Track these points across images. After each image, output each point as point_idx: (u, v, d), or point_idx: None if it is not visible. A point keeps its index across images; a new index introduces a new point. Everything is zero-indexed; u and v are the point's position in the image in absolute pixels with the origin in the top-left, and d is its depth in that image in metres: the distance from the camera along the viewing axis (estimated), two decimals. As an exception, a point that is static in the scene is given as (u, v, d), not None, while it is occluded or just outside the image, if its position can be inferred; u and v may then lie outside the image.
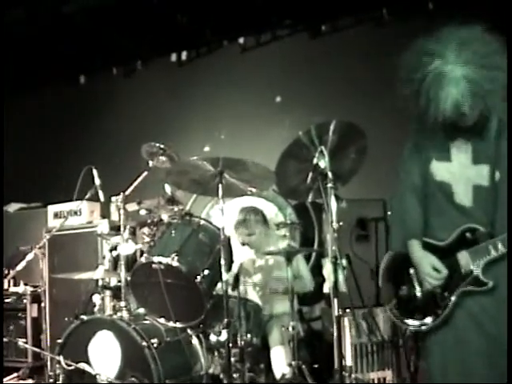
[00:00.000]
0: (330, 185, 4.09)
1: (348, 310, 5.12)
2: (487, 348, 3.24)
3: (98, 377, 4.58)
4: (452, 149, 3.37)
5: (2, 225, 7.12)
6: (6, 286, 7.11)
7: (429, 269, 3.39)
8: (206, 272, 4.66)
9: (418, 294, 3.47)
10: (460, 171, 3.34)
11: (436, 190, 3.43)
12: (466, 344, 3.28)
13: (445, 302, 3.35)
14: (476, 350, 3.26)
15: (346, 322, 5.18)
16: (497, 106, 3.17)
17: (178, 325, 4.79)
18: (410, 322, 3.52)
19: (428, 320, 3.42)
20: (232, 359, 4.56)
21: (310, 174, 4.26)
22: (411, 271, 3.50)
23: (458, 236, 3.36)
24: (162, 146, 5.30)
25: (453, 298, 3.32)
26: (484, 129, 3.30)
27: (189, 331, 4.88)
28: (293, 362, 4.83)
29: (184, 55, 8.30)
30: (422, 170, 3.47)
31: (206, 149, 5.83)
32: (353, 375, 5.13)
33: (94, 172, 5.25)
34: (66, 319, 5.06)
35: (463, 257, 3.33)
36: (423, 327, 3.45)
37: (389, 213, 5.79)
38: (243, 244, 5.49)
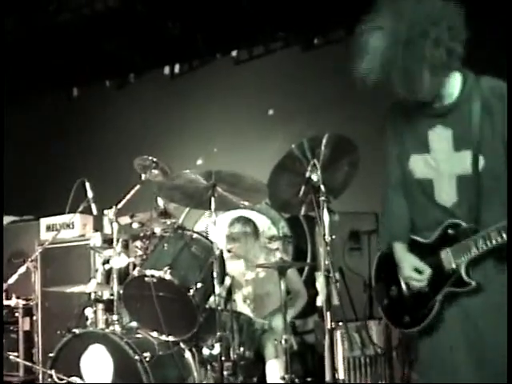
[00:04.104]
0: (322, 198, 4.09)
1: (341, 323, 5.11)
2: (473, 350, 3.14)
3: (90, 391, 4.57)
4: (431, 137, 3.24)
5: (1, 234, 7.10)
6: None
7: (410, 271, 3.30)
8: (199, 285, 4.65)
9: (406, 294, 3.39)
10: (441, 161, 3.22)
11: (417, 188, 3.32)
12: (453, 346, 3.20)
13: (432, 303, 3.26)
14: (463, 352, 3.17)
15: (338, 335, 5.17)
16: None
17: (171, 338, 4.77)
18: (400, 324, 3.49)
19: (416, 323, 3.35)
20: (225, 373, 4.55)
21: (303, 188, 4.26)
22: (398, 271, 3.42)
23: (441, 233, 3.25)
24: (154, 160, 5.30)
25: (438, 299, 3.23)
26: (465, 111, 3.14)
27: (181, 345, 4.87)
28: (286, 376, 4.81)
29: (177, 68, 8.33)
30: (402, 166, 3.37)
31: (199, 162, 5.82)
32: (346, 388, 5.13)
33: (87, 185, 5.24)
34: (58, 333, 5.03)
35: (446, 255, 3.23)
36: (412, 329, 3.38)
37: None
38: (228, 251, 5.49)
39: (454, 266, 3.20)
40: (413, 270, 3.31)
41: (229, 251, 5.52)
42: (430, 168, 3.26)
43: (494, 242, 3.07)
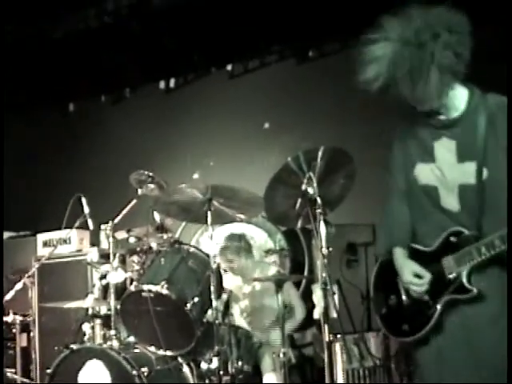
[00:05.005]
0: (319, 210, 4.10)
1: (339, 336, 5.10)
2: (473, 358, 3.12)
3: (88, 407, 4.55)
4: (436, 148, 3.26)
5: (1, 250, 7.08)
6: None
7: (410, 277, 3.29)
8: (196, 299, 4.65)
9: (406, 302, 3.39)
10: (445, 171, 3.24)
11: (421, 194, 3.33)
12: (453, 355, 3.19)
13: (432, 311, 3.24)
14: (463, 361, 3.16)
15: (337, 347, 5.17)
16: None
17: (169, 353, 4.76)
18: (398, 332, 3.47)
19: (415, 331, 3.33)
20: (223, 387, 4.54)
21: (299, 200, 4.28)
22: (397, 279, 3.42)
23: (443, 240, 3.25)
24: (150, 174, 5.30)
25: (439, 307, 3.22)
26: (470, 125, 3.17)
27: (179, 359, 4.85)
28: (284, 389, 4.81)
29: (172, 82, 8.34)
30: (407, 173, 3.38)
31: (195, 176, 5.83)
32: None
33: (83, 200, 5.25)
34: (56, 348, 5.02)
35: (448, 262, 3.22)
36: (412, 338, 3.36)
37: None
38: (225, 271, 5.49)
39: (455, 273, 3.19)
40: (413, 275, 3.30)
41: (225, 271, 5.53)
42: (435, 176, 3.28)
43: (497, 249, 3.06)
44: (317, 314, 5.28)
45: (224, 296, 4.97)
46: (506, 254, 3.05)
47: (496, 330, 3.10)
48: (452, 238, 3.23)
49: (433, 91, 3.02)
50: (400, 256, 3.40)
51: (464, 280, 3.16)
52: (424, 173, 3.31)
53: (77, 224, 5.26)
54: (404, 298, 3.41)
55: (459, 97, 3.19)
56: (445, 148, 3.25)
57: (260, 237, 6.44)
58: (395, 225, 3.48)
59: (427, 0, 3.07)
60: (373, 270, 3.70)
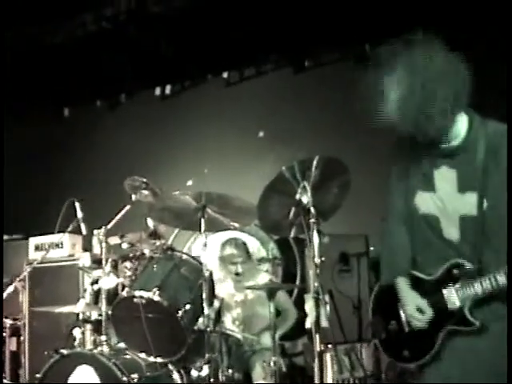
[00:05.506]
0: (312, 220, 4.10)
1: (330, 346, 5.09)
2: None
3: (77, 412, 4.53)
4: (436, 177, 3.24)
5: (1, 252, 7.07)
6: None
7: (413, 310, 3.29)
8: (188, 307, 4.64)
9: (406, 330, 3.37)
10: (446, 201, 3.22)
11: (422, 223, 3.31)
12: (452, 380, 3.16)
13: (432, 341, 3.24)
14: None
15: (328, 357, 5.16)
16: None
17: (159, 360, 4.75)
18: (398, 357, 3.47)
19: (415, 358, 3.33)
20: (213, 395, 4.53)
21: (293, 209, 4.28)
22: (399, 307, 3.41)
23: (444, 271, 3.24)
24: (144, 180, 5.30)
25: (440, 337, 3.22)
26: (470, 153, 3.15)
27: (170, 366, 4.83)
28: (274, 398, 4.79)
29: (168, 89, 8.36)
30: (407, 201, 3.36)
31: (189, 183, 5.83)
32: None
33: (77, 205, 5.24)
34: (46, 353, 5.00)
35: (450, 294, 3.21)
36: (411, 365, 3.38)
37: (371, 248, 5.85)
38: (237, 274, 5.50)
39: (458, 304, 3.19)
40: (415, 310, 3.30)
41: (237, 274, 5.54)
42: (436, 206, 3.26)
43: (500, 284, 3.06)
44: (308, 323, 5.27)
45: (216, 304, 4.96)
46: (507, 288, 3.04)
47: (498, 362, 3.06)
48: (454, 271, 3.22)
49: (435, 127, 3.03)
50: (402, 287, 3.38)
51: (466, 312, 3.16)
52: (424, 202, 3.29)
53: (69, 228, 5.24)
54: (406, 325, 3.39)
55: (459, 124, 3.16)
56: (445, 177, 3.23)
57: (253, 245, 6.43)
58: (396, 254, 3.45)
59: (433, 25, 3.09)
60: (372, 292, 3.70)
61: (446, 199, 3.23)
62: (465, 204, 3.17)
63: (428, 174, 3.27)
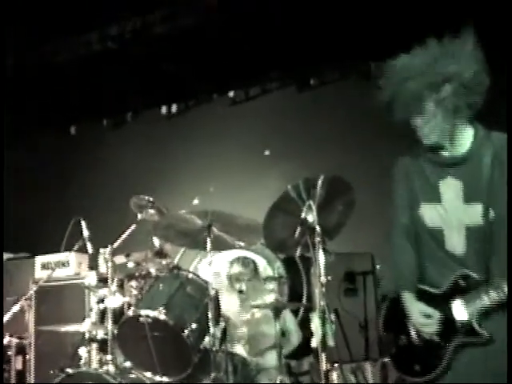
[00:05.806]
0: (318, 239, 4.10)
1: (336, 365, 5.08)
2: None
3: (82, 432, 4.52)
4: (441, 187, 3.26)
5: (1, 270, 7.06)
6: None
7: (419, 317, 3.29)
8: (194, 326, 4.63)
9: (416, 343, 3.37)
10: (451, 212, 3.23)
11: (427, 236, 3.33)
12: None
13: (442, 353, 3.24)
14: None
15: (334, 376, 5.14)
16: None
17: (165, 379, 4.73)
18: (409, 372, 3.44)
19: (426, 372, 3.31)
20: (219, 414, 4.52)
21: (299, 228, 4.28)
22: (407, 320, 3.40)
23: (451, 283, 3.25)
24: (150, 199, 5.31)
25: (450, 348, 3.22)
26: (475, 164, 3.18)
27: (175, 386, 4.83)
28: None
29: (174, 108, 8.39)
30: (411, 210, 3.37)
31: (195, 202, 5.84)
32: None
33: (83, 223, 5.25)
34: (51, 372, 4.99)
35: (457, 305, 3.22)
36: (421, 379, 3.35)
37: (377, 266, 5.84)
38: (240, 292, 5.49)
39: (466, 316, 3.20)
40: (421, 316, 3.30)
41: (240, 292, 5.52)
42: (440, 218, 3.27)
43: (506, 293, 3.07)
44: (314, 342, 5.26)
45: (222, 323, 4.95)
46: (507, 288, 3.06)
47: (505, 370, 3.05)
48: (461, 282, 3.23)
49: (434, 127, 3.08)
50: (408, 300, 3.38)
51: (475, 324, 3.17)
52: (429, 214, 3.31)
53: (75, 247, 5.26)
54: (414, 338, 3.39)
55: (464, 134, 3.20)
56: (450, 188, 3.24)
57: (259, 264, 6.42)
58: (402, 267, 3.45)
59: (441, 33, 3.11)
60: (380, 308, 3.69)
61: (451, 210, 3.25)
62: (471, 215, 3.19)
63: (433, 185, 3.28)
